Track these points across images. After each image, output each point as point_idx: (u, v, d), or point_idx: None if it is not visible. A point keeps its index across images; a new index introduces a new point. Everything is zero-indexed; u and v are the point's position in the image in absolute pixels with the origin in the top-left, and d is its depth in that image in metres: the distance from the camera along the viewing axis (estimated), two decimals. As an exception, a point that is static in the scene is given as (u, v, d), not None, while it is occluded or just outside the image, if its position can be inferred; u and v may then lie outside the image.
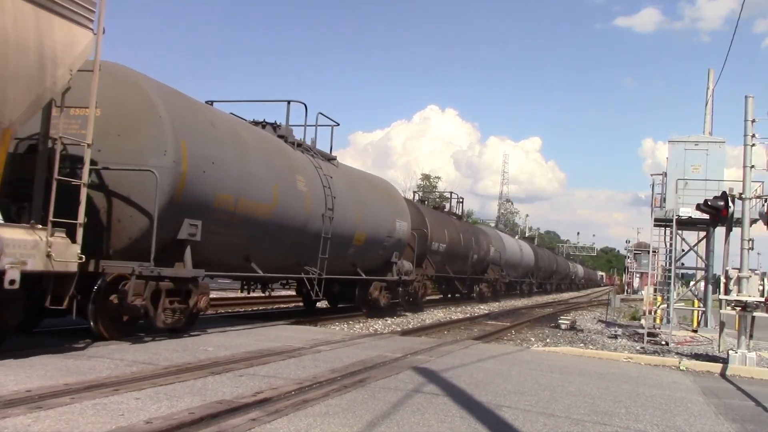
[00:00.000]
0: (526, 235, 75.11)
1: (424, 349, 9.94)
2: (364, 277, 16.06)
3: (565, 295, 56.14)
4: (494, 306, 28.35)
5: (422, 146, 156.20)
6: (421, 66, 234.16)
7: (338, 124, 15.34)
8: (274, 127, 13.45)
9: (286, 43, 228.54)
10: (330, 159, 15.19)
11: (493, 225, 55.32)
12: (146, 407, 5.02)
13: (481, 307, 27.03)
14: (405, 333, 13.88)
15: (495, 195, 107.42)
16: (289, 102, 14.08)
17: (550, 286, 56.53)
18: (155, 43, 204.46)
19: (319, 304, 18.10)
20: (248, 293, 15.45)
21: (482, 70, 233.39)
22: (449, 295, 29.54)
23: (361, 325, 15.25)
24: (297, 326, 12.70)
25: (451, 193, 31.13)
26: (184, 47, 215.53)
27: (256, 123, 13.19)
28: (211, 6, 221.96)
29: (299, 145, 13.79)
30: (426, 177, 70.51)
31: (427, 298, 26.45)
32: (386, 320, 17.07)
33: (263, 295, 16.72)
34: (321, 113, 14.94)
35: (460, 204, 31.23)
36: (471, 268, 28.06)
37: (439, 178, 72.42)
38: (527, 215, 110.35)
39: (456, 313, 22.48)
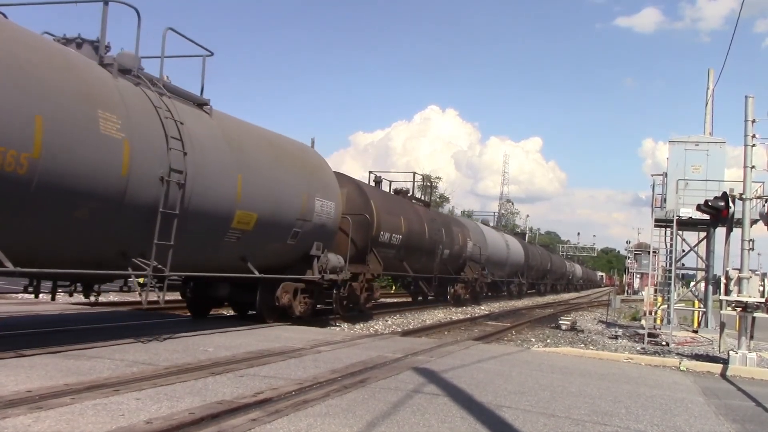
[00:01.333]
0: (527, 235, 74.82)
1: (425, 350, 9.94)
2: (257, 275, 11.38)
3: (565, 296, 54.46)
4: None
5: (422, 146, 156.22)
6: (422, 66, 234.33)
7: (211, 54, 10.88)
8: (95, 46, 8.91)
9: (286, 44, 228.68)
10: (198, 103, 10.56)
11: (492, 225, 50.81)
12: (146, 407, 5.02)
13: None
14: (405, 333, 13.88)
15: (495, 195, 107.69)
16: (106, 2, 8.81)
17: (543, 287, 51.98)
18: (156, 42, 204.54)
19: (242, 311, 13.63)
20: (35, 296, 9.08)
21: (483, 70, 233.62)
22: (421, 298, 25.59)
23: (361, 325, 15.25)
24: (297, 327, 12.69)
25: (414, 174, 24.44)
26: (184, 47, 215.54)
27: (67, 40, 8.89)
28: (212, 6, 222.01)
29: (128, 72, 9.08)
30: (426, 177, 70.42)
31: (387, 300, 24.40)
32: (386, 320, 17.06)
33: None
34: (171, 28, 9.84)
35: (431, 189, 26.69)
36: (440, 266, 23.41)
37: (439, 178, 72.25)
38: (527, 215, 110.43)
39: (456, 314, 22.43)
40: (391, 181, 22.54)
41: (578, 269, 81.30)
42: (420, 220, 21.19)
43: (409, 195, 22.97)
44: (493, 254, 31.53)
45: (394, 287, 29.60)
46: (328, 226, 13.46)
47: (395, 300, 26.29)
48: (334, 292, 14.51)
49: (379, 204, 17.67)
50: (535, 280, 48.07)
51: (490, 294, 33.48)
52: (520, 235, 52.22)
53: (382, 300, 22.16)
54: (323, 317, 14.94)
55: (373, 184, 20.64)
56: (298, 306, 12.76)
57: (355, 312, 16.10)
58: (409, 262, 20.29)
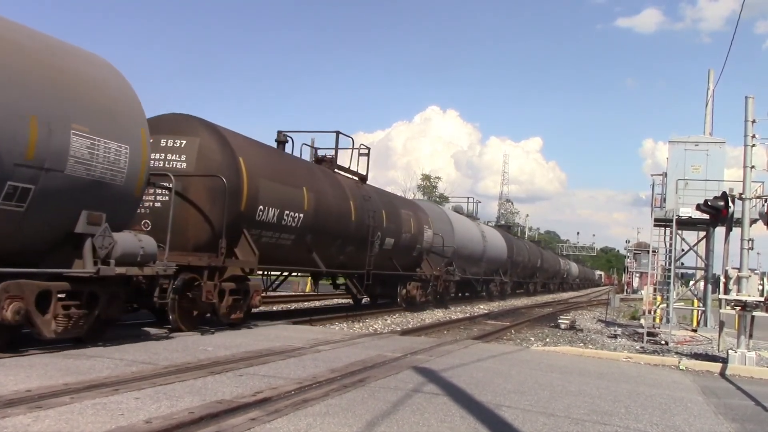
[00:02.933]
0: (527, 235, 74.57)
1: (424, 349, 9.94)
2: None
3: (563, 296, 52.59)
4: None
5: (423, 146, 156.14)
6: (422, 67, 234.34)
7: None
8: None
9: (287, 44, 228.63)
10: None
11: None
12: (146, 407, 5.02)
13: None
14: (405, 333, 13.88)
15: (495, 195, 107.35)
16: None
17: (533, 286, 46.59)
18: (156, 43, 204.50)
19: None
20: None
21: (483, 70, 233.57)
22: (368, 300, 20.97)
23: (361, 324, 15.25)
24: (297, 326, 12.71)
25: (337, 133, 16.53)
26: (184, 48, 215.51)
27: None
28: (212, 7, 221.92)
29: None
30: (426, 177, 70.50)
31: (302, 303, 21.04)
32: (386, 320, 17.07)
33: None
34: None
35: (364, 157, 17.74)
36: (379, 260, 17.67)
37: (439, 178, 72.36)
38: (527, 215, 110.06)
39: (455, 313, 22.45)
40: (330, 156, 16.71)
41: (574, 267, 77.13)
42: (342, 195, 15.33)
43: (330, 161, 16.40)
44: (463, 247, 26.45)
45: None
46: (115, 185, 7.94)
47: (319, 303, 22.22)
48: (155, 296, 9.42)
49: (256, 164, 11.77)
50: (523, 279, 42.96)
51: (466, 294, 30.37)
52: (505, 228, 46.12)
53: (285, 306, 19.50)
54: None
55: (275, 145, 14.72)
56: (45, 322, 7.24)
57: (211, 328, 10.31)
58: (322, 252, 14.21)
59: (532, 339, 16.10)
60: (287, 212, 12.75)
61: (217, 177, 10.52)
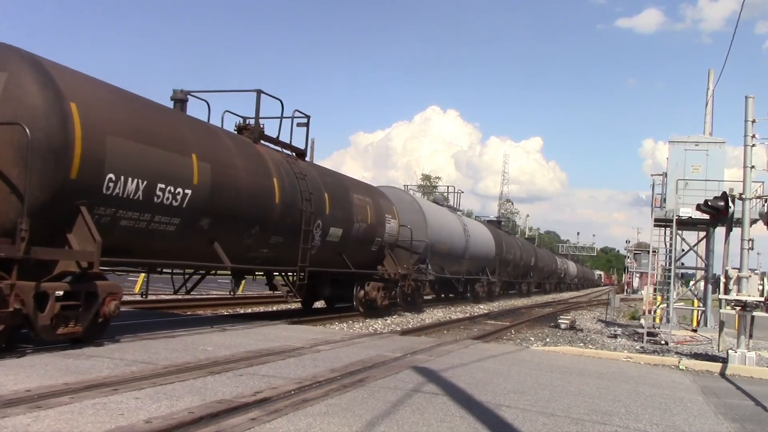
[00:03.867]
0: (527, 235, 74.34)
1: (424, 349, 9.94)
2: None
3: (558, 296, 50.45)
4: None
5: (423, 146, 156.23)
6: (423, 67, 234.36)
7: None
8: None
9: (287, 44, 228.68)
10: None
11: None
12: (146, 407, 5.02)
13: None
14: (405, 333, 13.88)
15: (496, 195, 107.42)
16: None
17: (526, 286, 43.19)
18: (157, 43, 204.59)
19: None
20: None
21: (484, 70, 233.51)
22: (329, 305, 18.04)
23: (361, 324, 15.25)
24: (296, 326, 12.70)
25: (258, 92, 13.08)
26: (185, 48, 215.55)
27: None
28: (212, 7, 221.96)
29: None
30: (426, 177, 70.59)
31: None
32: (386, 320, 17.06)
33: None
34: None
35: (303, 127, 14.50)
36: (320, 255, 14.12)
37: (439, 178, 72.47)
38: (527, 215, 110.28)
39: (455, 313, 22.44)
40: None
41: (572, 267, 74.13)
42: (262, 171, 11.97)
43: (251, 130, 12.77)
44: (440, 242, 22.87)
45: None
46: None
47: (250, 310, 17.50)
48: None
49: (102, 115, 8.34)
50: (515, 278, 39.39)
51: (450, 296, 27.63)
52: (495, 223, 40.18)
53: (197, 312, 14.88)
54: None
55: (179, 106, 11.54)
56: None
57: (28, 347, 7.43)
58: (229, 243, 10.99)
59: (532, 339, 16.09)
60: (162, 186, 9.17)
61: (17, 125, 7.17)
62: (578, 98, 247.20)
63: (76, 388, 5.46)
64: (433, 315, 20.18)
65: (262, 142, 12.91)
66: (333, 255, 14.98)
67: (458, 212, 29.92)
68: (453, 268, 25.22)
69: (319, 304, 18.31)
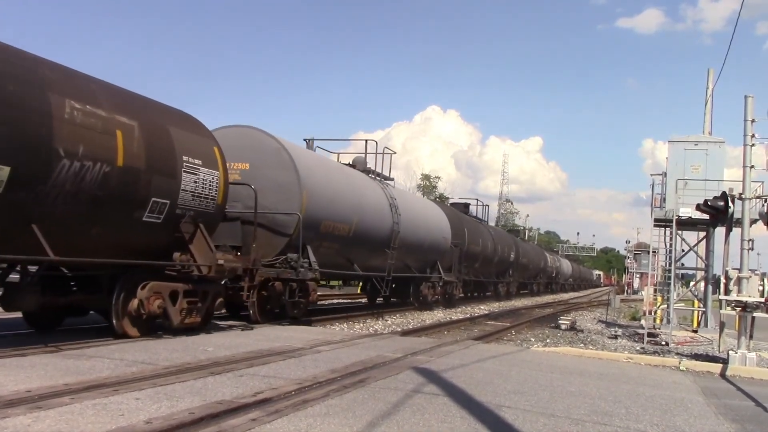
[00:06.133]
0: (527, 235, 73.95)
1: (424, 350, 9.94)
2: None
3: (547, 298, 44.03)
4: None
5: (423, 146, 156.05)
6: (423, 67, 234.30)
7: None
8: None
9: (287, 44, 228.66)
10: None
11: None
12: (146, 407, 5.02)
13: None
14: (405, 333, 13.87)
15: (496, 195, 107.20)
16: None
17: (503, 287, 34.53)
18: (156, 43, 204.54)
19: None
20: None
21: (484, 70, 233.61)
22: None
23: (361, 325, 15.24)
24: (297, 326, 12.69)
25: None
26: (185, 48, 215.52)
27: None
28: (212, 7, 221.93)
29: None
30: (426, 177, 70.48)
31: None
32: (386, 320, 17.05)
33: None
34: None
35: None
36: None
37: (438, 178, 72.27)
38: (527, 215, 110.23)
39: (455, 314, 22.41)
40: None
41: (566, 265, 66.19)
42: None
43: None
44: (338, 218, 14.95)
45: None
46: None
47: None
48: None
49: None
50: (486, 277, 31.23)
51: (392, 300, 21.17)
52: (460, 207, 30.24)
53: None
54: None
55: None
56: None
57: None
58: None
59: (533, 339, 16.09)
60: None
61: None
62: (578, 98, 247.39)
63: (77, 389, 5.46)
64: (435, 315, 20.09)
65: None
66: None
67: (387, 182, 19.52)
68: (373, 261, 17.28)
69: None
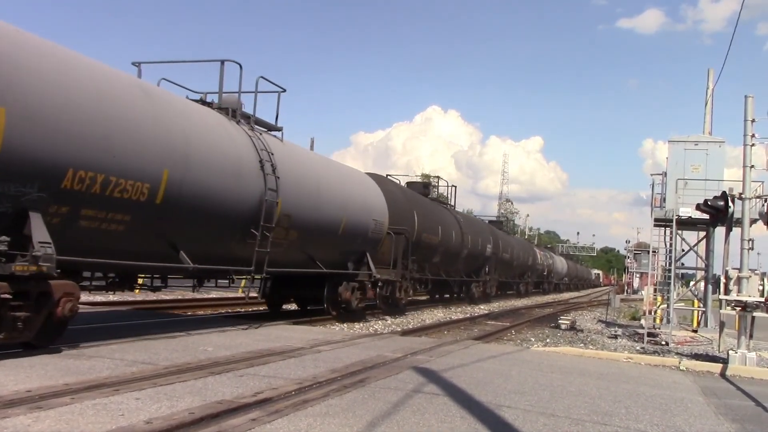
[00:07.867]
0: (526, 235, 73.70)
1: (424, 349, 9.94)
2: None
3: (541, 299, 40.90)
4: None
5: (423, 146, 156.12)
6: (423, 67, 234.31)
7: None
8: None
9: (288, 44, 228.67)
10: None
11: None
12: (146, 407, 5.02)
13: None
14: (405, 333, 13.87)
15: (496, 195, 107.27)
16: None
17: (478, 287, 28.18)
18: (157, 43, 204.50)
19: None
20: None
21: (484, 70, 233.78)
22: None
23: (361, 325, 15.24)
24: (297, 326, 12.69)
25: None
26: (185, 48, 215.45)
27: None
28: (213, 6, 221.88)
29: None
30: (426, 176, 70.47)
31: None
32: (386, 320, 17.03)
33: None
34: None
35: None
36: None
37: (438, 177, 72.23)
38: (527, 215, 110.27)
39: (455, 314, 22.41)
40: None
41: (560, 263, 59.90)
42: None
43: None
44: (201, 183, 9.37)
45: None
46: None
47: None
48: None
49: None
50: (453, 275, 25.14)
51: (291, 308, 16.46)
52: (417, 186, 24.66)
53: None
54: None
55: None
56: None
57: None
58: None
59: (533, 339, 16.09)
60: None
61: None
62: (578, 98, 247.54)
63: (77, 389, 5.46)
64: (435, 315, 20.11)
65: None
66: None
67: (271, 132, 12.78)
68: (219, 248, 10.70)
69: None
